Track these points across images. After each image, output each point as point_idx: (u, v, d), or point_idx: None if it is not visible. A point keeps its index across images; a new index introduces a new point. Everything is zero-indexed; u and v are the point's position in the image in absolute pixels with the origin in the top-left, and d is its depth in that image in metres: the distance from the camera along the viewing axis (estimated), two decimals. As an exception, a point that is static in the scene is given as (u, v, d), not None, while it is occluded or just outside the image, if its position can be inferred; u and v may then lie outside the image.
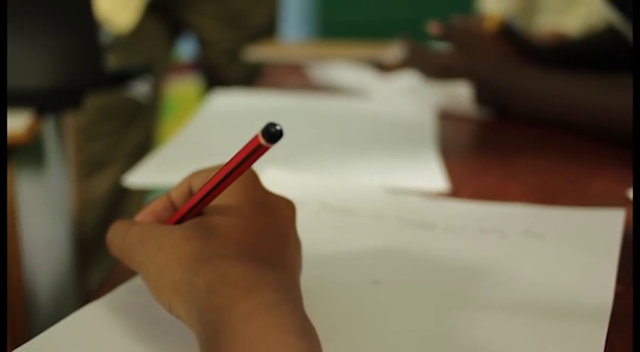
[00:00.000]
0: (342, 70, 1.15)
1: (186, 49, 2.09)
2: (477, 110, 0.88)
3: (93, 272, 1.30)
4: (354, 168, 0.66)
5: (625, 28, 0.87)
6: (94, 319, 0.38)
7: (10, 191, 0.80)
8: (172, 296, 0.33)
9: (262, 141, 0.30)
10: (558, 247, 0.48)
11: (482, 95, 0.86)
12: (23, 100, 0.77)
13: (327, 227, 0.51)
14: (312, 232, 0.44)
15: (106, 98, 1.24)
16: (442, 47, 0.96)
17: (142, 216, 0.39)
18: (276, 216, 0.37)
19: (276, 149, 0.33)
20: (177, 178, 0.41)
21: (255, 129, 0.30)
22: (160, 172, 0.65)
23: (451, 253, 0.47)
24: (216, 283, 0.31)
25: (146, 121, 1.42)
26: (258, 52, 1.34)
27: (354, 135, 0.79)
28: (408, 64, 0.96)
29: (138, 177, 0.63)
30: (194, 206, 0.36)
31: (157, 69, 1.39)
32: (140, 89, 0.90)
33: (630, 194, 0.58)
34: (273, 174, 0.59)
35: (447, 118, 0.87)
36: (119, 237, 0.37)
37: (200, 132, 0.80)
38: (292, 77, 1.17)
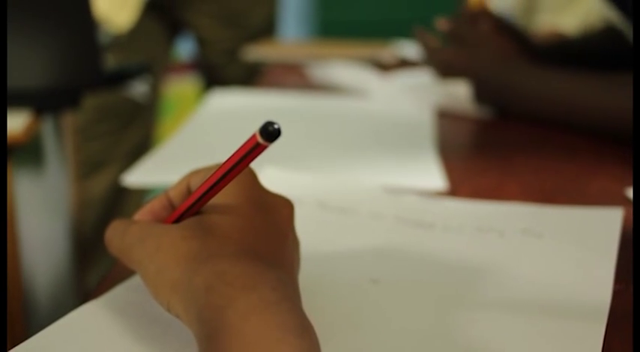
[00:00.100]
0: (341, 69, 1.15)
1: (185, 48, 2.09)
2: (476, 109, 0.88)
3: (92, 271, 1.30)
4: (353, 168, 0.66)
5: (624, 27, 0.87)
6: (92, 318, 0.38)
7: (9, 191, 0.80)
8: (171, 295, 0.33)
9: (260, 139, 0.30)
10: (557, 246, 0.48)
11: (482, 94, 0.86)
12: (21, 100, 0.77)
13: (325, 226, 0.51)
14: (310, 231, 0.44)
15: (104, 98, 1.24)
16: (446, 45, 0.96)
17: (141, 214, 0.39)
18: (274, 215, 0.37)
19: (274, 148, 0.33)
20: (175, 178, 0.41)
21: (253, 128, 0.30)
22: (158, 172, 0.65)
23: (450, 252, 0.47)
24: (215, 282, 0.31)
25: (145, 121, 1.42)
26: (257, 52, 1.34)
27: (353, 135, 0.79)
28: (422, 61, 0.95)
29: (136, 177, 0.63)
30: (192, 205, 0.36)
31: (156, 68, 1.39)
32: (139, 89, 0.90)
33: (628, 193, 0.58)
34: (272, 173, 0.59)
35: (445, 117, 0.87)
36: (118, 235, 0.37)
37: (199, 132, 0.79)
38: (291, 77, 1.17)
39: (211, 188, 0.34)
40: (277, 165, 0.61)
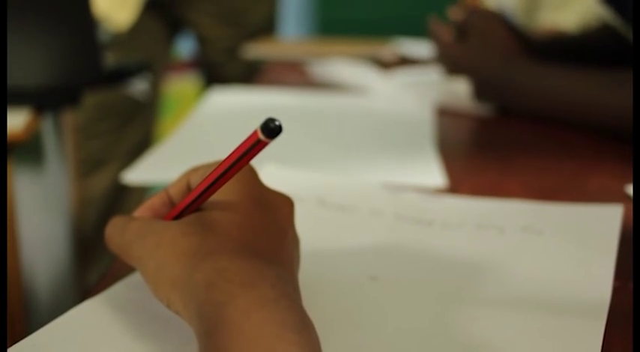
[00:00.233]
0: (341, 67, 1.15)
1: (185, 46, 2.09)
2: (476, 106, 0.88)
3: (92, 270, 1.30)
4: (353, 165, 0.66)
5: (623, 28, 0.87)
6: (92, 315, 0.38)
7: (9, 189, 0.80)
8: (171, 291, 0.33)
9: (261, 136, 0.30)
10: (557, 243, 0.48)
11: (482, 91, 0.86)
12: (22, 98, 0.77)
13: (325, 223, 0.51)
14: (310, 228, 0.44)
15: (104, 96, 1.24)
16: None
17: (141, 211, 0.39)
18: (274, 212, 0.37)
19: (274, 145, 0.33)
20: (175, 175, 0.41)
21: (253, 126, 0.30)
22: (158, 169, 0.65)
23: (449, 249, 0.47)
24: (215, 278, 0.31)
25: (145, 119, 1.42)
26: (257, 50, 1.34)
27: (353, 132, 0.79)
28: (432, 57, 0.95)
29: (137, 175, 0.63)
30: (192, 202, 0.36)
31: (156, 67, 1.39)
32: (139, 87, 0.90)
33: (628, 189, 0.58)
34: (272, 171, 0.59)
35: (445, 115, 0.87)
36: (117, 232, 0.37)
37: (199, 130, 0.80)
38: (291, 74, 1.17)
39: (212, 185, 0.34)
40: (277, 162, 0.61)
